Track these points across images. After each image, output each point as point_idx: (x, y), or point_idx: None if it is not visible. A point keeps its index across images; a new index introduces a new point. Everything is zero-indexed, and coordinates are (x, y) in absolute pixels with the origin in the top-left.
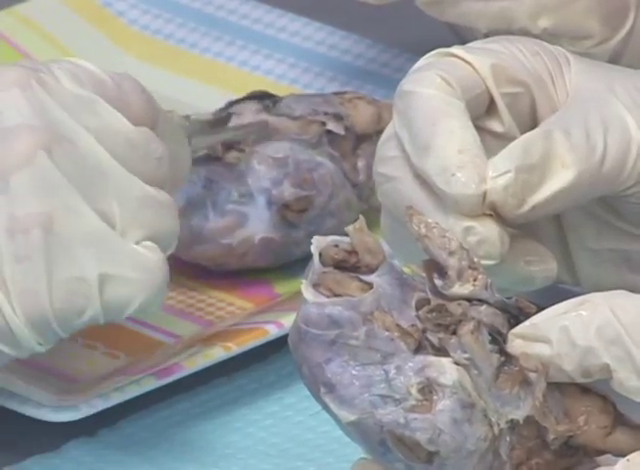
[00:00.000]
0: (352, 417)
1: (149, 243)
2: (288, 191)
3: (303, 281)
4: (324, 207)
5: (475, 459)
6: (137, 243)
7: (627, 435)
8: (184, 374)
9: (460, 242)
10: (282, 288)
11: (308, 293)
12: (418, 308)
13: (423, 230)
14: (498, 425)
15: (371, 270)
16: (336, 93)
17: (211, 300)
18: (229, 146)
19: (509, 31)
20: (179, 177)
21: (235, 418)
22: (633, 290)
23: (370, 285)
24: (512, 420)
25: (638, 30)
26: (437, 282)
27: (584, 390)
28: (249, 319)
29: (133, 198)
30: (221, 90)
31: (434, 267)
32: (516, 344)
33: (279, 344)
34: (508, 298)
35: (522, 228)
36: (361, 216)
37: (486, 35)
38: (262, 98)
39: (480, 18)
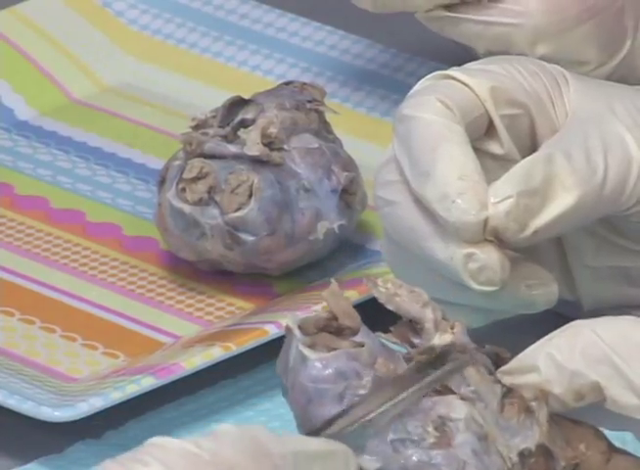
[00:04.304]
0: (377, 464)
1: None
2: (341, 176)
3: (300, 345)
4: (362, 186)
5: None
6: None
7: (623, 460)
8: (184, 374)
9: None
10: (281, 288)
11: (308, 352)
12: (408, 362)
13: (392, 289)
14: (510, 459)
15: (353, 332)
16: (286, 84)
17: (211, 300)
18: (271, 147)
19: (507, 54)
20: None
21: (241, 420)
22: (633, 304)
23: (360, 343)
24: (522, 452)
25: (632, 55)
26: (415, 341)
27: (575, 421)
28: (248, 319)
29: None
30: (220, 90)
31: (407, 330)
32: (505, 380)
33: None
34: (482, 346)
35: (521, 247)
36: (333, 281)
37: (485, 54)
38: (237, 104)
39: (479, 40)
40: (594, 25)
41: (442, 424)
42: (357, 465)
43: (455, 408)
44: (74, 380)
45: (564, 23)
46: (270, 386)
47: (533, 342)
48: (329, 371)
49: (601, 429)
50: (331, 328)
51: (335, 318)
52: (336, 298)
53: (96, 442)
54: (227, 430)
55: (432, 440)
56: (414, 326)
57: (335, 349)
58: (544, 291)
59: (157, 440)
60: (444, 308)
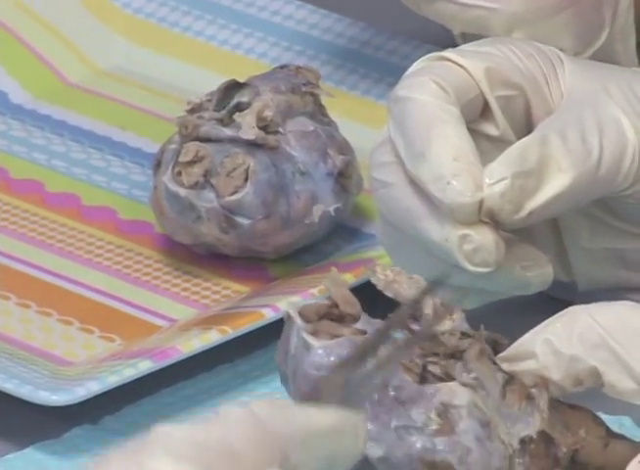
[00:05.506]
0: (381, 452)
1: None
2: (337, 159)
3: (302, 333)
4: (358, 169)
5: None
6: None
7: (622, 445)
8: (180, 358)
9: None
10: (277, 271)
11: (311, 339)
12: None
13: (390, 276)
14: (511, 446)
15: (354, 320)
16: (281, 67)
17: (207, 283)
18: (266, 131)
19: (482, 37)
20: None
21: None
22: (628, 287)
23: (361, 331)
24: (523, 439)
25: (609, 41)
26: (414, 327)
27: (573, 406)
28: (244, 303)
29: None
30: (215, 73)
31: (406, 317)
32: (503, 367)
33: (281, 330)
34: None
35: (517, 228)
36: (333, 268)
37: (459, 36)
38: (232, 88)
39: (454, 21)
40: (572, 14)
41: (445, 411)
42: (366, 435)
43: (457, 395)
44: (71, 364)
45: (542, 10)
46: (267, 371)
47: (528, 325)
48: (332, 359)
49: (599, 413)
50: (332, 316)
51: (335, 306)
52: (336, 285)
53: (93, 427)
54: (232, 413)
55: (435, 426)
56: (413, 313)
57: (337, 336)
58: (539, 272)
59: (163, 428)
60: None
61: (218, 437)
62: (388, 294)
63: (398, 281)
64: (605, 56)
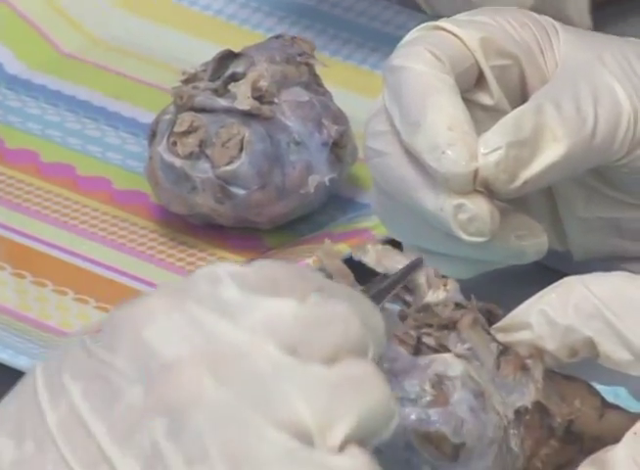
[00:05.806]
0: None
1: (351, 447)
2: (332, 129)
3: None
4: (352, 139)
5: (495, 448)
6: (341, 443)
7: (617, 416)
8: None
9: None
10: (272, 241)
11: None
12: (402, 320)
13: (381, 251)
14: (506, 417)
15: None
16: (276, 37)
17: (202, 254)
18: (261, 101)
19: None
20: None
21: None
22: (623, 256)
23: None
24: (518, 410)
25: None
26: (408, 299)
27: (568, 377)
28: None
29: (322, 388)
30: (210, 43)
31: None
32: (499, 337)
33: None
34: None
35: (512, 198)
36: (327, 240)
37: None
38: (227, 58)
39: None
40: None
41: (439, 382)
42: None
43: (451, 366)
44: (66, 334)
45: None
46: None
47: (523, 295)
48: None
49: (594, 384)
50: None
51: (329, 278)
52: (330, 257)
53: None
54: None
55: (429, 398)
56: (406, 284)
57: None
58: (534, 241)
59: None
60: (434, 259)
61: (256, 267)
62: (380, 270)
63: (389, 257)
64: (554, 13)
